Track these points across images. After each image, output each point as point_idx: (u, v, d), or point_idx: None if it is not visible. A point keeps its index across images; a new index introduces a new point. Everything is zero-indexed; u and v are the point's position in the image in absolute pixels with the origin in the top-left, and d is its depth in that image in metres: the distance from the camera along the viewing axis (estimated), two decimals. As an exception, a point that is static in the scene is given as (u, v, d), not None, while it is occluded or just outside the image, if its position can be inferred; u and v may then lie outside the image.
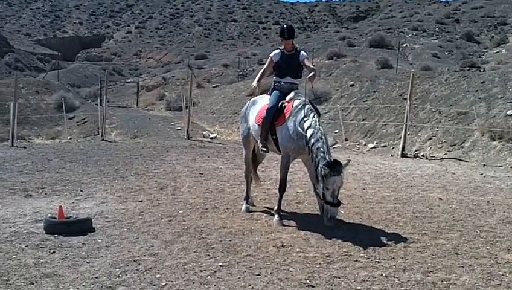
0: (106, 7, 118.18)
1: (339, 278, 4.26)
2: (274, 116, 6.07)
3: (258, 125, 6.29)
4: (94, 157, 11.55)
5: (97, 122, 17.58)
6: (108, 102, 18.99)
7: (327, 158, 5.41)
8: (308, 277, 4.27)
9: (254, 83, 6.60)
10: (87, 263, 4.50)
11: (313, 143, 5.57)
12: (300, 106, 5.89)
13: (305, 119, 5.73)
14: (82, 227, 5.46)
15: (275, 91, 6.32)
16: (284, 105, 6.09)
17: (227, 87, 28.14)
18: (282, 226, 5.86)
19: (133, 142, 15.49)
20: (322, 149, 5.50)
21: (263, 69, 6.60)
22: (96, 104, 20.96)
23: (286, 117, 5.95)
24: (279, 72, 6.35)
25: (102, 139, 15.82)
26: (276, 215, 6.04)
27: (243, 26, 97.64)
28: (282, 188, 6.12)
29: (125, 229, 5.61)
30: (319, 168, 5.41)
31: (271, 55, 6.39)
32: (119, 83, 44.15)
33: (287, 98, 6.14)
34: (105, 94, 18.58)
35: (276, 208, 6.14)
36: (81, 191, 7.74)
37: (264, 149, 6.29)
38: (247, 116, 6.69)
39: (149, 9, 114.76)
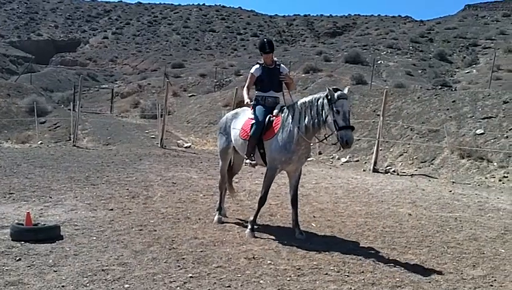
0: (83, 11, 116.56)
1: (309, 291, 4.28)
2: (262, 131, 6.02)
3: (244, 140, 6.19)
4: (64, 164, 11.33)
5: (69, 128, 17.23)
6: (81, 107, 18.67)
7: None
8: (279, 289, 4.28)
9: (248, 101, 6.35)
10: (54, 271, 4.41)
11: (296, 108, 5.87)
12: (286, 119, 5.93)
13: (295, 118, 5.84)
14: (50, 234, 5.35)
15: (259, 106, 6.21)
16: (271, 119, 6.05)
17: (203, 97, 28.03)
18: (253, 238, 5.87)
19: (105, 149, 15.26)
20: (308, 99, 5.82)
21: (246, 85, 6.45)
22: (69, 109, 20.55)
23: (276, 131, 5.92)
24: (261, 87, 6.28)
25: (74, 145, 15.53)
26: (249, 227, 6.03)
27: (221, 36, 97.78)
28: (263, 200, 6.10)
29: (94, 238, 5.52)
30: (325, 95, 5.53)
31: (252, 71, 6.32)
32: (94, 88, 43.37)
33: (274, 112, 6.09)
34: (79, 99, 18.28)
35: (251, 218, 6.13)
36: (50, 197, 7.58)
37: (252, 162, 6.18)
38: (228, 129, 6.60)
39: (127, 16, 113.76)
